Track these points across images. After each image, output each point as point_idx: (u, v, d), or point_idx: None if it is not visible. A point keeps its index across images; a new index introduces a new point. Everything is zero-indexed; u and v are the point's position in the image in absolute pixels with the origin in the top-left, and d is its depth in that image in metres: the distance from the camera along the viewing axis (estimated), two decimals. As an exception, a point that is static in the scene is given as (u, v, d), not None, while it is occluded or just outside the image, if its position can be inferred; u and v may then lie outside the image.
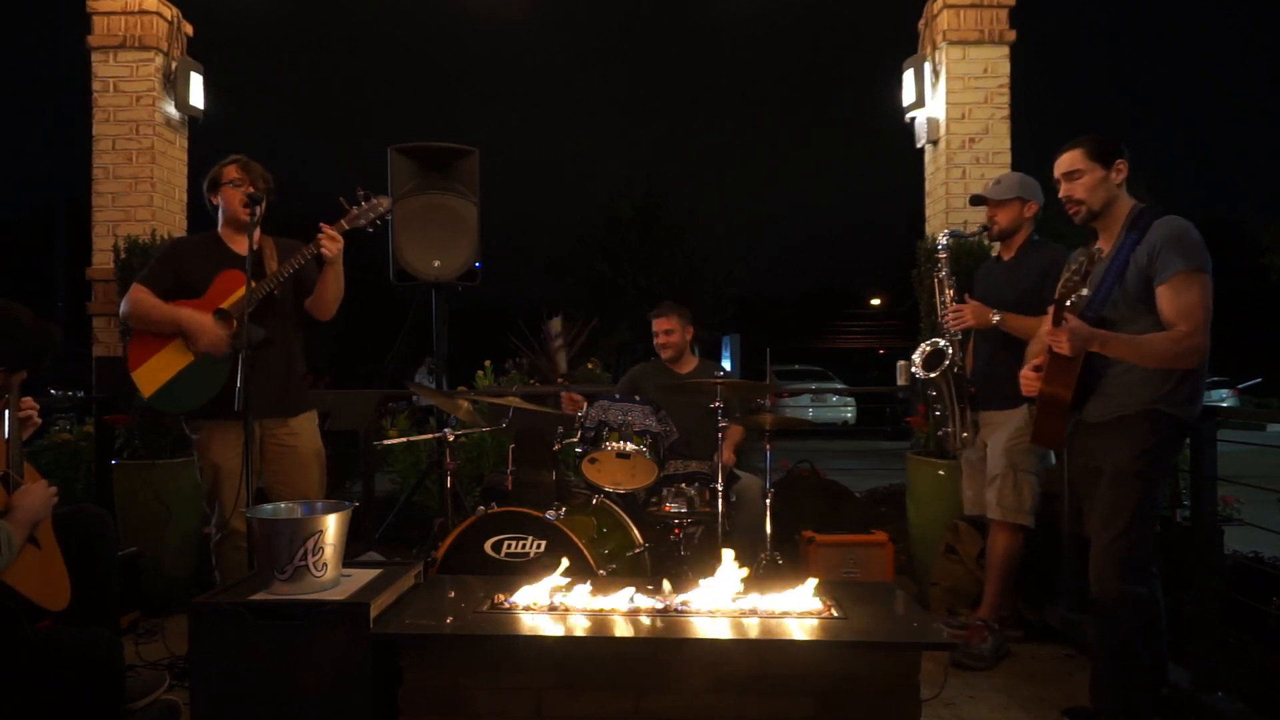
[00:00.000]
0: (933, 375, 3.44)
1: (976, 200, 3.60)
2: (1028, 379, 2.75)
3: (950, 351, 3.40)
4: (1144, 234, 2.57)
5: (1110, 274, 2.62)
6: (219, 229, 3.33)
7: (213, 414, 3.12)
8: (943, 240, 3.56)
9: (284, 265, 3.15)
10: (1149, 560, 2.61)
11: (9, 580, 2.21)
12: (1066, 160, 2.71)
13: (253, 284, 2.98)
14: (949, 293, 3.48)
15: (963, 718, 2.90)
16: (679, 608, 2.40)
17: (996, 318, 3.29)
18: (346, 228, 3.18)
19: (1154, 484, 2.62)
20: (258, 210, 3.03)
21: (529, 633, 2.29)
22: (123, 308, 3.22)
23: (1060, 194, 2.76)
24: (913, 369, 3.53)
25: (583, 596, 2.47)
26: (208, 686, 2.33)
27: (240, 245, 3.25)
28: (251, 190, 3.14)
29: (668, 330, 4.35)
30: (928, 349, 3.48)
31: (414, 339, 5.18)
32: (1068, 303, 2.51)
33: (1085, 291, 2.55)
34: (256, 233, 3.05)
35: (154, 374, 3.13)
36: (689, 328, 4.41)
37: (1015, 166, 4.70)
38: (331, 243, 3.12)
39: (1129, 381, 2.60)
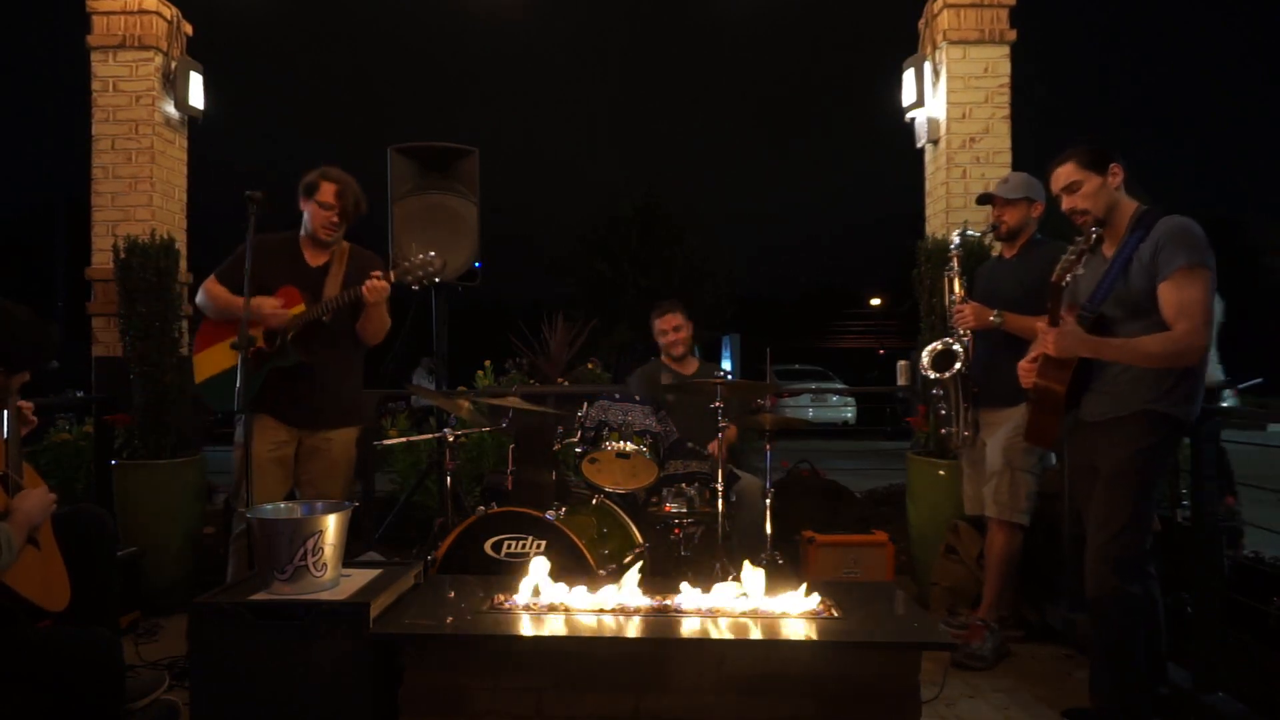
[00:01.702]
0: (943, 376, 3.44)
1: (984, 199, 3.59)
2: (1025, 369, 2.77)
3: (962, 352, 3.40)
4: (1148, 232, 2.58)
5: (1113, 271, 2.62)
6: (300, 234, 3.38)
7: (256, 409, 3.20)
8: (955, 238, 3.56)
9: (330, 300, 3.23)
10: (1145, 560, 2.61)
11: (9, 581, 2.21)
12: (1063, 174, 2.71)
13: (300, 308, 3.21)
14: (960, 291, 3.47)
15: (963, 718, 2.90)
16: (679, 608, 2.40)
17: (994, 318, 3.29)
18: (394, 279, 3.23)
19: (1150, 484, 2.62)
20: (256, 213, 3.07)
21: (529, 633, 2.29)
22: (198, 297, 3.35)
23: (1064, 207, 2.75)
24: (922, 369, 3.52)
25: (583, 596, 2.47)
26: (208, 686, 2.34)
27: (314, 257, 3.37)
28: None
29: (676, 326, 4.32)
30: (939, 347, 3.47)
31: (414, 339, 5.18)
32: (1064, 282, 2.53)
33: (1081, 271, 2.56)
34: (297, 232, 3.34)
35: (208, 364, 3.29)
36: (690, 322, 4.39)
37: (1015, 166, 4.70)
38: (374, 291, 3.17)
39: (1126, 381, 2.60)
